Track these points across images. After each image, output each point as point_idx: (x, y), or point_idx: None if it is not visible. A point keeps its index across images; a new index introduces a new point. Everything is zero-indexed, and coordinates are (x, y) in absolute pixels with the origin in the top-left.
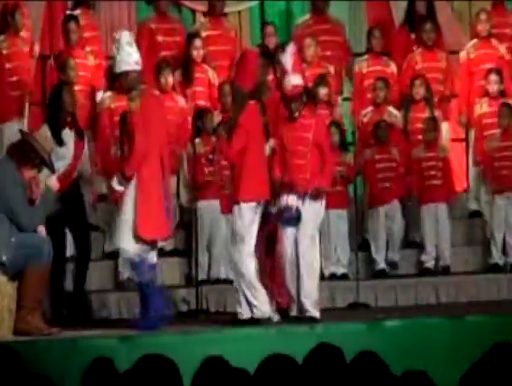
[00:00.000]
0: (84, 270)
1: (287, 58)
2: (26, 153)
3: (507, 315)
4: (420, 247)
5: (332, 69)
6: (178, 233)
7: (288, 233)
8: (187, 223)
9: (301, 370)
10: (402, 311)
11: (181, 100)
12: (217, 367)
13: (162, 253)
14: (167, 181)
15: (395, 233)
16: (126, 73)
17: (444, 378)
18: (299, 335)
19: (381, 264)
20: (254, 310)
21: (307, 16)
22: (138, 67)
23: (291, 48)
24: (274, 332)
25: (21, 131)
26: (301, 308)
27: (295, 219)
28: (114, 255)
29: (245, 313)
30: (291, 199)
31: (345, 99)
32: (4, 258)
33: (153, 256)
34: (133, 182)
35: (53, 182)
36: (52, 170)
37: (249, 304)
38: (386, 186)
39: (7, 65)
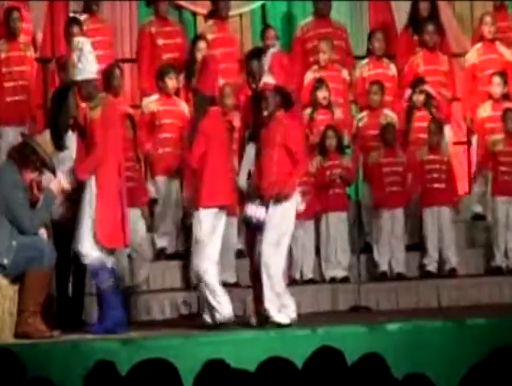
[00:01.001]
0: (84, 273)
1: (266, 59)
2: (27, 156)
3: (509, 319)
4: (422, 250)
5: (346, 73)
6: (179, 236)
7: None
8: (188, 226)
9: (301, 373)
10: (404, 314)
11: (183, 105)
12: (218, 370)
13: (163, 256)
14: (123, 188)
15: (398, 238)
16: (88, 81)
17: (445, 381)
18: (301, 338)
19: (384, 267)
20: (216, 314)
21: (310, 19)
22: (97, 76)
23: (271, 51)
24: (276, 335)
25: (22, 134)
26: (265, 314)
27: (258, 227)
28: None
29: (207, 317)
30: (249, 208)
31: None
32: (5, 261)
33: (112, 262)
34: (91, 188)
35: (55, 186)
36: (54, 172)
37: (211, 308)
38: (393, 190)
39: (4, 69)
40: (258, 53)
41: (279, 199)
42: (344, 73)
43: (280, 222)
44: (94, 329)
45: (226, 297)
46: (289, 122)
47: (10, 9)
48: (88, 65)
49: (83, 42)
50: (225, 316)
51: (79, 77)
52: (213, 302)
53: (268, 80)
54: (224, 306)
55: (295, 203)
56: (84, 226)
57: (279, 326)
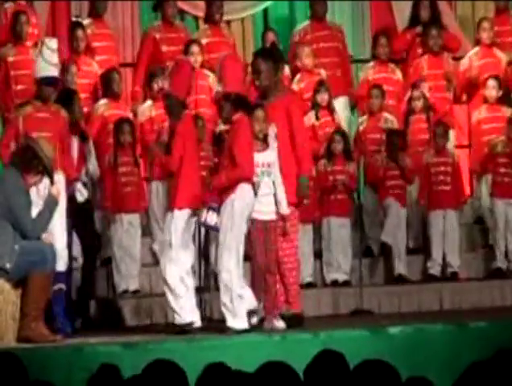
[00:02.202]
0: (91, 277)
1: (218, 66)
2: (29, 160)
3: (511, 322)
4: (425, 253)
5: (324, 74)
6: None
7: None
8: None
9: (303, 377)
10: (406, 318)
11: None
12: (219, 374)
13: None
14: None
15: (401, 243)
16: (55, 79)
17: (447, 385)
18: (303, 342)
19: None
20: (175, 316)
21: (307, 22)
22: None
23: (221, 56)
24: (278, 339)
25: (25, 137)
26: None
27: (215, 231)
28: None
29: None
30: (202, 215)
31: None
32: (7, 265)
33: (62, 265)
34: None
35: (56, 190)
36: (51, 178)
37: (173, 311)
38: (397, 192)
39: (13, 73)
40: (262, 53)
41: (214, 195)
42: (323, 74)
43: (228, 225)
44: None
45: (187, 301)
46: (239, 127)
47: (17, 13)
48: (54, 64)
49: (53, 40)
50: (185, 319)
51: (46, 74)
52: (172, 304)
53: (218, 88)
54: (184, 309)
55: (243, 206)
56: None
57: (235, 331)
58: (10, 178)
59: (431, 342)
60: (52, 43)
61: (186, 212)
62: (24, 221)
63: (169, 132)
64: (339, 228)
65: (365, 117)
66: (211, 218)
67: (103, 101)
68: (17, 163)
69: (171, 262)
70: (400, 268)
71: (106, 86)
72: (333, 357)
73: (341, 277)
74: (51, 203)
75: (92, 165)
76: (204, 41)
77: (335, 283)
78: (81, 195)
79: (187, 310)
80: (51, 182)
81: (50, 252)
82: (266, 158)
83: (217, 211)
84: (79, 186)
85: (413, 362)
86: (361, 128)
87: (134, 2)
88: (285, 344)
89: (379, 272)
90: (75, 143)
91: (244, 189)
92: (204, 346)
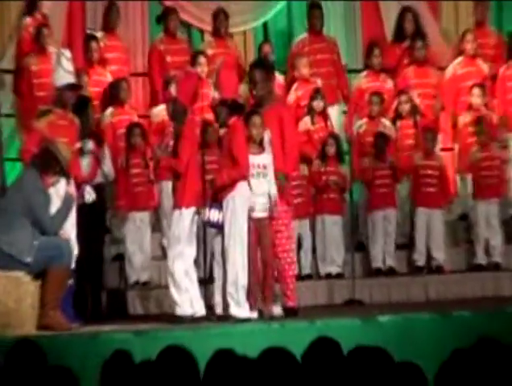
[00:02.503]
0: (101, 270)
1: (214, 75)
2: (47, 162)
3: (491, 311)
4: (412, 247)
5: (320, 83)
6: None
7: None
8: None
9: (301, 361)
10: (395, 307)
11: None
12: (226, 359)
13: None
14: None
15: (390, 238)
16: (74, 85)
17: (433, 369)
18: (300, 330)
19: (378, 263)
20: (176, 308)
21: (305, 35)
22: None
23: (219, 64)
24: (278, 327)
25: (44, 140)
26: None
27: (218, 228)
28: (122, 257)
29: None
30: (205, 213)
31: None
32: (28, 259)
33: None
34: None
35: (72, 190)
36: (68, 178)
37: (173, 302)
38: (385, 191)
39: (35, 81)
40: (257, 64)
41: (216, 194)
42: (319, 83)
43: (232, 221)
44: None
45: (190, 296)
46: (235, 130)
47: (40, 26)
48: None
49: (68, 52)
50: (185, 312)
51: (68, 81)
52: (174, 296)
53: (214, 94)
54: (185, 303)
55: (244, 203)
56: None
57: (236, 319)
58: (30, 179)
59: (418, 329)
60: (67, 53)
61: (192, 210)
62: (43, 219)
63: (174, 135)
64: (332, 225)
65: (363, 120)
66: (213, 215)
67: (110, 109)
68: (36, 164)
69: (178, 257)
70: (390, 261)
71: (114, 94)
72: (328, 343)
73: (335, 269)
74: (68, 202)
75: (107, 167)
76: (209, 52)
77: (329, 275)
78: (90, 195)
79: (188, 303)
80: (68, 183)
81: (67, 247)
82: (262, 161)
83: (219, 208)
84: (88, 188)
85: (401, 348)
86: (360, 130)
87: (144, 16)
88: (284, 331)
89: (370, 265)
90: (93, 147)
91: (242, 186)
92: (210, 333)
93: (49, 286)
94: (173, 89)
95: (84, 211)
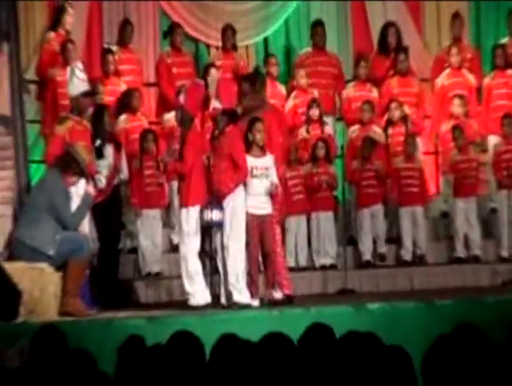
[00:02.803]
0: (117, 261)
1: (212, 85)
2: (68, 163)
3: (470, 300)
4: (399, 242)
5: (316, 93)
6: None
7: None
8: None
9: (298, 345)
10: (383, 296)
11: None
12: (230, 342)
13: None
14: None
15: (380, 230)
16: (90, 92)
17: (418, 353)
18: (296, 316)
19: (367, 256)
20: (190, 298)
21: (309, 49)
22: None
23: (214, 78)
24: (277, 313)
25: (66, 144)
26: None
27: (218, 227)
28: (135, 250)
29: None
30: (205, 214)
31: (338, 119)
32: (51, 252)
33: None
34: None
35: (91, 189)
36: (87, 179)
37: (187, 293)
38: (371, 191)
39: (59, 90)
40: (249, 77)
41: (219, 197)
42: (316, 94)
43: (233, 220)
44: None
45: (201, 287)
46: (232, 135)
47: (66, 42)
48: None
49: (75, 65)
50: (199, 302)
51: (83, 89)
52: (187, 287)
53: (216, 104)
54: (198, 294)
55: (243, 202)
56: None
57: (240, 305)
58: (53, 179)
59: (404, 316)
60: (80, 64)
61: (197, 208)
62: (64, 215)
63: (180, 140)
64: (325, 220)
65: (356, 126)
66: (215, 215)
67: (123, 116)
68: (58, 166)
69: (190, 251)
70: (381, 249)
71: (127, 102)
72: (322, 329)
73: (328, 261)
74: (87, 200)
75: (123, 168)
76: (217, 63)
77: (323, 267)
78: (100, 182)
79: (201, 294)
80: (87, 182)
81: (85, 241)
82: (265, 163)
83: (220, 208)
84: (98, 176)
85: (389, 333)
86: (353, 136)
87: (156, 31)
88: (282, 318)
89: (360, 257)
90: (110, 150)
91: (240, 187)
92: (215, 319)
93: (69, 277)
94: (181, 98)
95: (102, 208)
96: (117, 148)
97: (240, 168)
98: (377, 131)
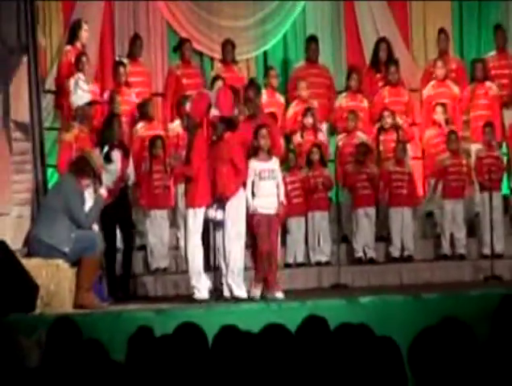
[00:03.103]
0: (130, 258)
1: (213, 95)
2: (83, 168)
3: (454, 294)
4: (388, 240)
5: (315, 104)
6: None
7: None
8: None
9: (295, 336)
10: (374, 290)
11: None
12: (231, 333)
13: None
14: None
15: (369, 235)
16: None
17: (406, 343)
18: (293, 309)
19: (360, 253)
20: (195, 292)
21: (303, 62)
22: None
23: (216, 87)
24: (275, 307)
25: (81, 150)
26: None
27: (219, 225)
28: (144, 247)
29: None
30: (209, 212)
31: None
32: (66, 249)
33: None
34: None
35: (103, 191)
36: (100, 182)
37: (192, 287)
38: (366, 193)
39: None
40: (250, 86)
41: (223, 199)
42: (315, 104)
43: (235, 219)
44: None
45: (205, 281)
46: (232, 142)
47: (81, 54)
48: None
49: (78, 77)
50: (204, 296)
51: (85, 100)
52: (193, 282)
53: (214, 112)
54: (202, 288)
55: (244, 203)
56: None
57: (238, 299)
58: (68, 182)
59: (393, 309)
60: (82, 76)
61: (203, 209)
62: (79, 215)
63: (187, 145)
64: (320, 220)
65: (343, 135)
66: (218, 215)
67: (141, 124)
68: (73, 170)
69: (194, 247)
70: (370, 252)
71: (143, 111)
72: (318, 321)
73: (323, 258)
74: (99, 201)
75: (130, 173)
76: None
77: (318, 263)
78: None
79: (204, 289)
80: (99, 185)
81: (98, 239)
82: (271, 166)
83: (223, 208)
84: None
85: (379, 325)
86: (339, 143)
87: (164, 46)
88: (280, 310)
89: (353, 255)
90: (119, 155)
91: (241, 189)
92: (218, 312)
93: (83, 272)
94: (188, 106)
95: (113, 210)
96: (126, 154)
97: (240, 171)
98: (361, 137)
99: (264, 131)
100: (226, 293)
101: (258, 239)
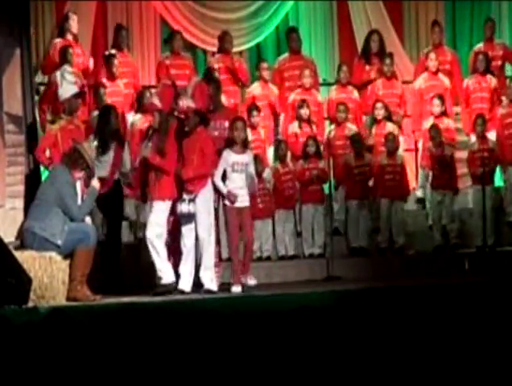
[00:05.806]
0: (118, 250)
1: (190, 88)
2: (76, 160)
3: (442, 284)
4: (377, 231)
5: (317, 93)
6: None
7: None
8: None
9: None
10: (364, 281)
11: None
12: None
13: None
14: None
15: (364, 222)
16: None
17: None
18: (288, 300)
19: (355, 243)
20: (160, 275)
21: (286, 55)
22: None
23: (194, 81)
24: (270, 296)
25: (73, 140)
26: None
27: (190, 218)
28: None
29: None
30: (179, 206)
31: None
32: (59, 242)
33: None
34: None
35: (96, 183)
36: (93, 174)
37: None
38: (360, 185)
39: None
40: (209, 82)
41: (192, 192)
42: (319, 96)
43: (206, 212)
44: None
45: (169, 267)
46: (205, 135)
47: (66, 46)
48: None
49: (64, 69)
50: (167, 281)
51: (74, 92)
52: (158, 268)
53: (190, 104)
54: (166, 273)
55: (212, 196)
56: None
57: (210, 292)
58: (61, 174)
59: (383, 299)
60: (69, 67)
61: (170, 202)
62: (72, 208)
63: (160, 139)
64: (314, 212)
65: (332, 126)
66: (191, 207)
67: (138, 116)
68: (66, 162)
69: (157, 236)
70: (361, 242)
71: (139, 102)
72: (310, 311)
73: (316, 250)
74: (92, 193)
75: (126, 163)
76: (216, 66)
77: (311, 255)
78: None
79: (168, 274)
80: (92, 177)
81: (92, 232)
82: (244, 159)
83: (191, 202)
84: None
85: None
86: (330, 135)
87: (157, 38)
88: (274, 301)
89: (345, 247)
90: (113, 147)
91: (210, 182)
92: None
93: (76, 265)
94: (156, 101)
95: (106, 202)
96: (121, 144)
97: (210, 164)
98: (351, 128)
99: (239, 124)
100: (209, 287)
101: (230, 234)
